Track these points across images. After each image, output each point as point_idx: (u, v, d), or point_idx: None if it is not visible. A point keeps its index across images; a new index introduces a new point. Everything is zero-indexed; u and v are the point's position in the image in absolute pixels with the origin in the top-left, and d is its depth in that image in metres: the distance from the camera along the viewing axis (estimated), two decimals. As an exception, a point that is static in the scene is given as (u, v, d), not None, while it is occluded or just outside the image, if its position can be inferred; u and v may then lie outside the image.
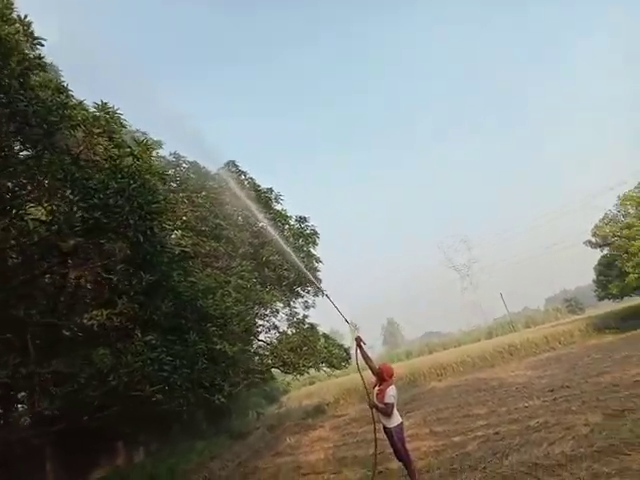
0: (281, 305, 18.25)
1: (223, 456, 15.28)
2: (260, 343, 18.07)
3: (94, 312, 7.76)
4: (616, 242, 25.95)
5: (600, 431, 7.49)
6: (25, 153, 7.88)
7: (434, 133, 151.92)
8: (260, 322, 17.88)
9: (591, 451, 6.57)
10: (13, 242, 7.91)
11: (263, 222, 16.06)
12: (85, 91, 7.95)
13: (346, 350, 17.40)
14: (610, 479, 5.50)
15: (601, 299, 30.21)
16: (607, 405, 9.13)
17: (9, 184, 7.86)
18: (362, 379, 7.46)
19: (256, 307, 15.75)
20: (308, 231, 18.05)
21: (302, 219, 18.17)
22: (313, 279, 16.77)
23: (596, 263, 29.30)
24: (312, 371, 18.93)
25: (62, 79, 8.13)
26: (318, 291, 17.81)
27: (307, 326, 17.97)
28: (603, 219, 27.57)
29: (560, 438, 7.65)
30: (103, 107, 7.75)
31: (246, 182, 17.15)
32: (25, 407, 10.48)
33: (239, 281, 12.96)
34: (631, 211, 26.39)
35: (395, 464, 7.57)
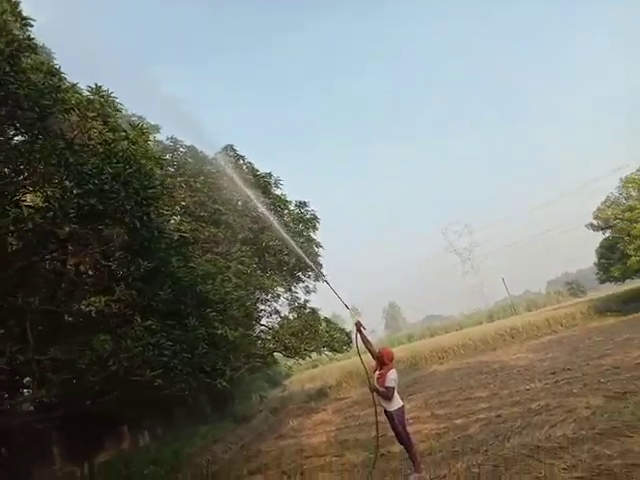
0: (282, 290, 18.21)
1: (226, 439, 15.44)
2: (262, 328, 18.10)
3: (92, 299, 7.71)
4: (618, 225, 25.80)
5: (602, 413, 7.48)
6: (19, 138, 7.76)
7: (435, 127, 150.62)
8: (262, 307, 17.89)
9: (593, 433, 6.55)
10: (12, 228, 7.84)
11: (260, 208, 15.91)
12: (79, 75, 7.81)
13: (347, 334, 17.39)
14: (612, 461, 5.46)
15: (603, 282, 30.14)
16: (608, 387, 9.12)
17: (6, 170, 7.77)
18: (362, 363, 7.45)
19: (257, 292, 15.71)
20: (308, 216, 17.92)
21: (302, 204, 18.01)
22: (311, 263, 16.69)
23: (598, 246, 29.21)
24: (314, 355, 19.03)
25: (55, 62, 7.93)
26: (319, 276, 17.76)
27: (308, 311, 17.96)
28: (605, 202, 27.38)
29: (562, 421, 7.65)
30: (97, 90, 7.59)
31: (244, 166, 16.94)
32: (30, 392, 10.53)
33: (239, 266, 12.88)
34: (633, 193, 26.22)
35: (397, 447, 7.58)
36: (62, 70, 7.37)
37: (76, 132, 7.47)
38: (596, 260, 29.50)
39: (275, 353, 19.05)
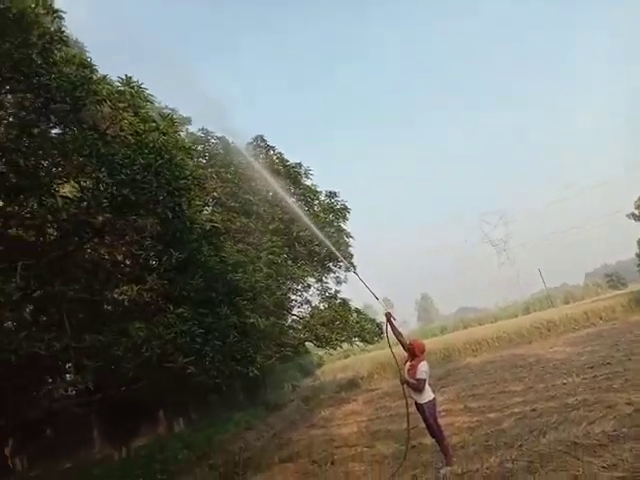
0: (313, 280, 18.24)
1: (258, 427, 15.64)
2: (293, 317, 18.22)
3: (124, 287, 7.88)
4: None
5: (645, 410, 7.13)
6: (55, 131, 7.95)
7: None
8: (293, 297, 17.98)
9: (635, 431, 6.23)
10: (50, 218, 8.07)
11: (287, 201, 15.92)
12: (110, 68, 7.92)
13: (378, 325, 17.30)
14: (656, 461, 5.19)
15: (644, 273, 28.92)
16: (652, 383, 8.70)
17: (44, 163, 7.99)
18: (393, 355, 7.34)
19: (288, 282, 15.78)
20: (338, 206, 17.84)
21: (332, 194, 17.93)
22: (339, 254, 16.65)
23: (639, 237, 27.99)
24: (346, 345, 19.03)
25: (87, 55, 8.07)
26: (348, 267, 17.70)
27: (339, 301, 17.95)
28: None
29: (601, 417, 7.32)
30: (127, 81, 7.67)
31: (275, 157, 16.98)
32: (71, 378, 10.92)
33: (270, 257, 12.95)
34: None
35: (428, 439, 7.45)
36: (93, 62, 7.48)
37: (108, 123, 7.60)
38: (637, 251, 28.26)
39: (306, 343, 19.18)
